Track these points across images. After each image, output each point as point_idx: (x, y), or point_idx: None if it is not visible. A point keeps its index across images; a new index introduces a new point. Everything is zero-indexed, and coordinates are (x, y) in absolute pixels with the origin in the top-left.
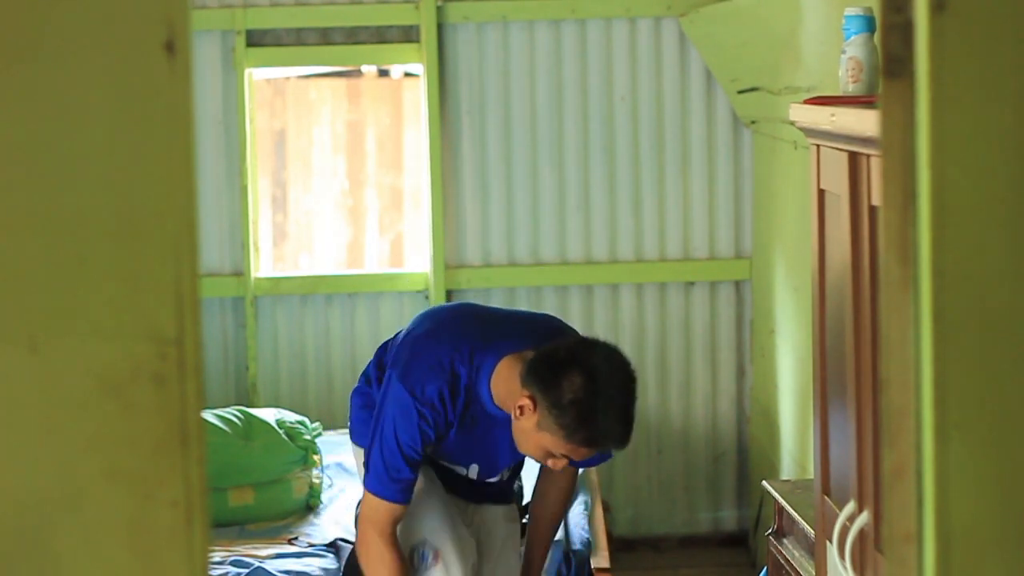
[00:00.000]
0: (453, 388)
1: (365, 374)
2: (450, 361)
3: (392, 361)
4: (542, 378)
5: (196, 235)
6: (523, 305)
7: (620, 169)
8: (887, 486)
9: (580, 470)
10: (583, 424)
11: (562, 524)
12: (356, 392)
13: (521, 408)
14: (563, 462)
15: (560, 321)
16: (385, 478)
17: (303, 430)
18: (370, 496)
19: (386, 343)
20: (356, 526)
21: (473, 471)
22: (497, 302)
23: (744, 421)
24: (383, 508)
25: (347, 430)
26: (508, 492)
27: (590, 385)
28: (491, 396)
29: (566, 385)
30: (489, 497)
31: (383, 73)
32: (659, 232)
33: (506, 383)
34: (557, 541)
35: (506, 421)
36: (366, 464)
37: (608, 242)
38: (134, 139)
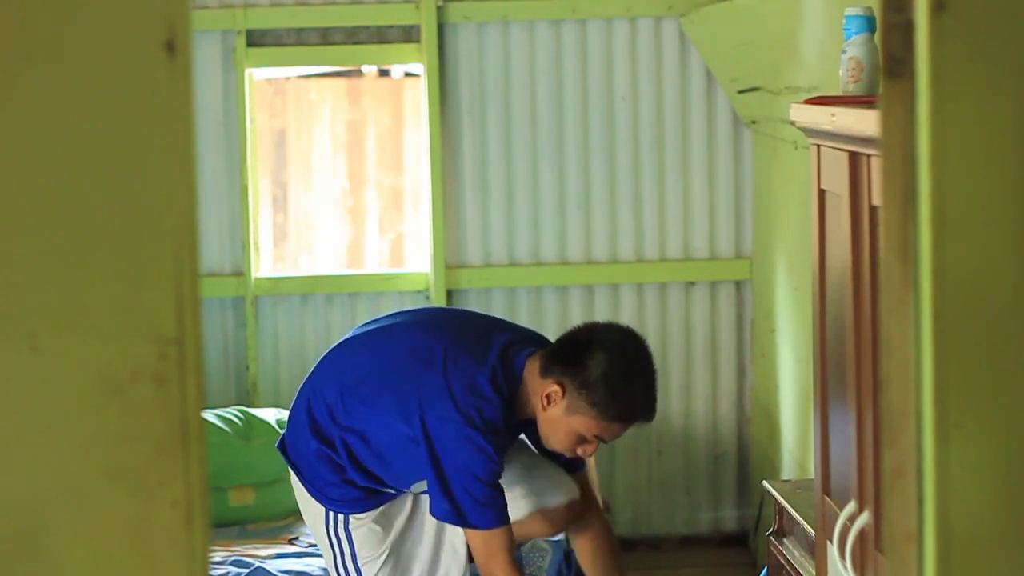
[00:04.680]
0: (506, 410)
1: (312, 426)
2: (490, 384)
3: (417, 404)
4: (566, 362)
5: (196, 235)
6: (524, 305)
7: (620, 169)
8: (887, 486)
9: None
10: (615, 398)
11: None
12: (315, 455)
13: (548, 396)
14: (593, 447)
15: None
16: (482, 509)
17: None
18: (477, 533)
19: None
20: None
21: None
22: (498, 302)
23: (744, 421)
24: (495, 538)
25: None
26: None
27: (616, 359)
28: (521, 408)
29: (592, 364)
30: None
31: (383, 73)
32: (659, 232)
33: (529, 385)
34: (557, 541)
35: (523, 427)
36: (447, 508)
37: (608, 242)
38: (134, 139)
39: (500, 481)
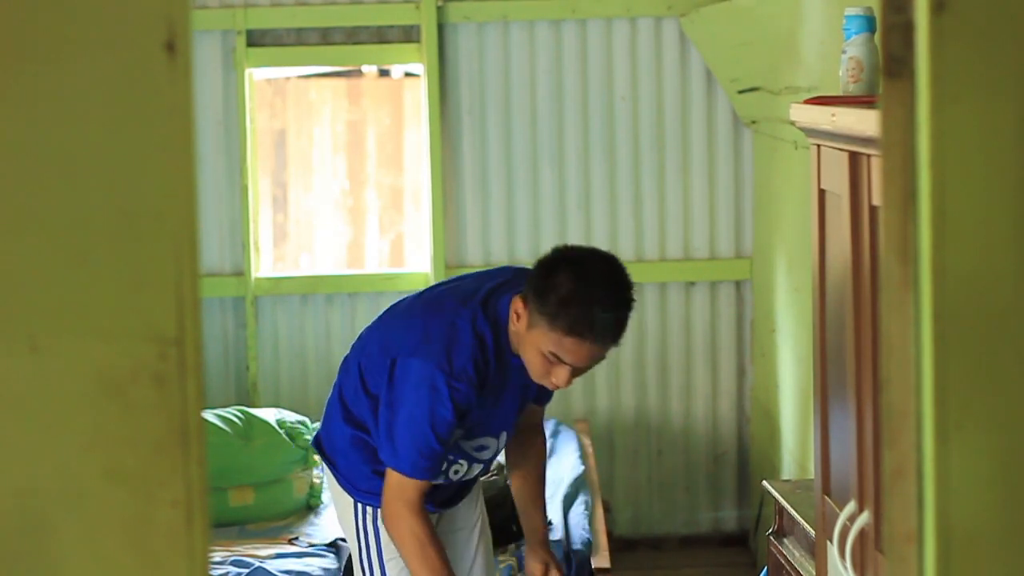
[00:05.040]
0: (483, 353)
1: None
2: (470, 324)
3: (396, 348)
4: (534, 279)
5: (196, 235)
6: None
7: (620, 169)
8: (887, 486)
9: (545, 431)
10: (565, 308)
11: (563, 523)
12: (350, 442)
13: (517, 314)
14: (563, 373)
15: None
16: (416, 458)
17: (303, 430)
18: (398, 475)
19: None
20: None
21: (503, 440)
22: None
23: (744, 421)
24: (411, 486)
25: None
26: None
27: (575, 272)
28: (510, 343)
29: (554, 279)
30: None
31: (383, 73)
32: (659, 232)
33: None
34: (557, 541)
35: (520, 367)
36: (385, 442)
37: (608, 242)
38: (134, 139)
39: (447, 439)
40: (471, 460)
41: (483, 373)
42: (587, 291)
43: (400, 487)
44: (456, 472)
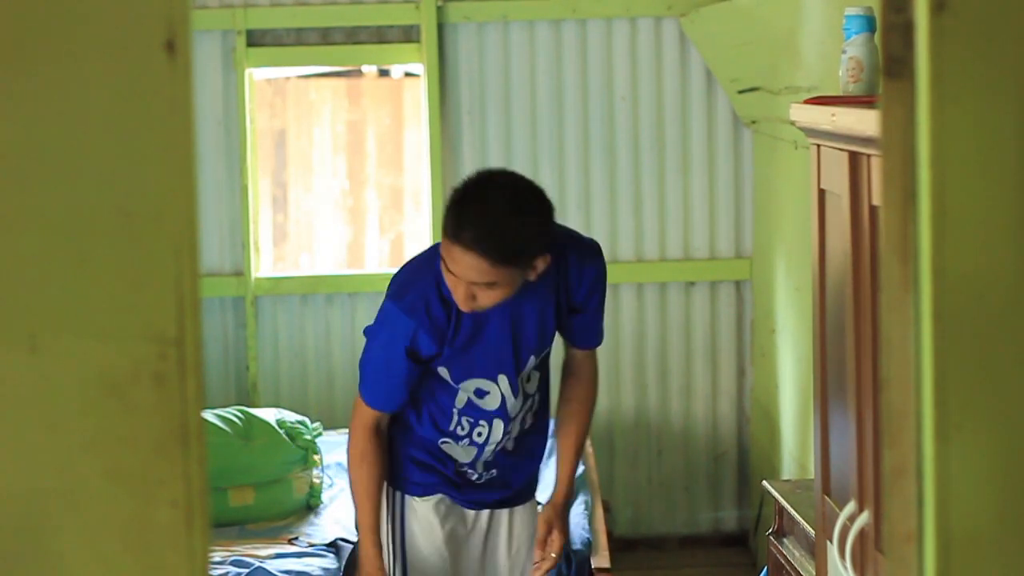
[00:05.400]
0: (439, 289)
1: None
2: (430, 262)
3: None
4: None
5: (196, 235)
6: None
7: (620, 169)
8: (887, 486)
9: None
10: (447, 209)
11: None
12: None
13: None
14: (458, 287)
15: None
16: (373, 386)
17: (303, 430)
18: (359, 401)
19: None
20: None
21: (507, 386)
22: None
23: (744, 421)
24: (368, 412)
25: (347, 430)
26: (539, 445)
27: (463, 183)
28: None
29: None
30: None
31: (383, 73)
32: (659, 232)
33: None
34: None
35: (507, 302)
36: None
37: (608, 242)
38: (134, 139)
39: (405, 373)
40: (484, 415)
41: (442, 309)
42: (461, 196)
43: (359, 411)
44: (479, 435)
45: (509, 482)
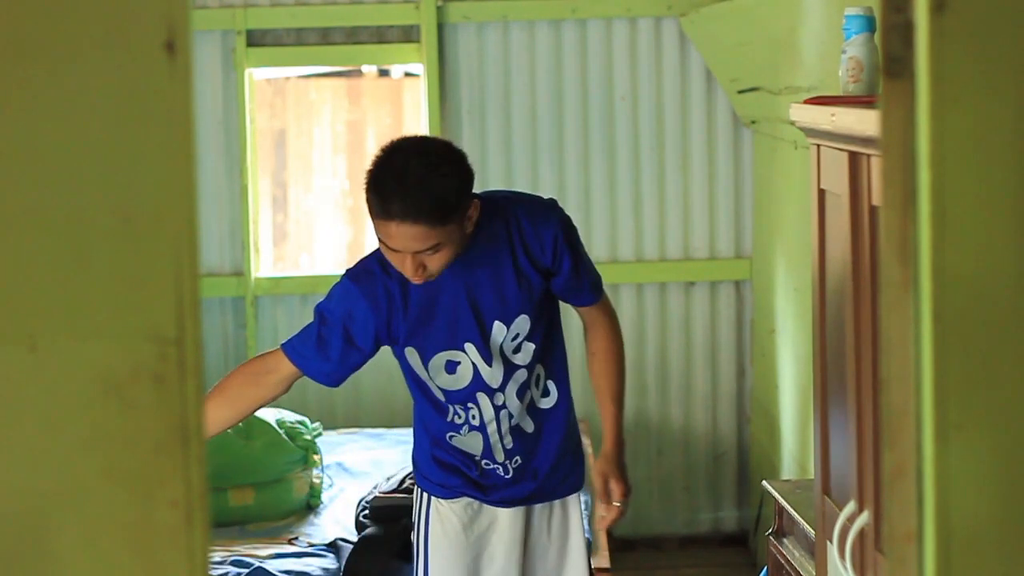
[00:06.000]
0: (375, 265)
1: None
2: (365, 264)
3: None
4: None
5: (196, 235)
6: None
7: (620, 169)
8: (887, 486)
9: (608, 321)
10: (367, 194)
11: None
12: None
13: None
14: (402, 260)
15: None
16: (296, 335)
17: (303, 430)
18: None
19: None
20: (356, 527)
21: (473, 353)
22: None
23: (744, 421)
24: (272, 354)
25: (348, 429)
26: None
27: (374, 161)
28: None
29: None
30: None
31: (383, 73)
32: (659, 232)
33: None
34: None
35: (456, 273)
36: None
37: (608, 242)
38: (134, 139)
39: (329, 336)
40: (467, 395)
41: (391, 281)
42: (376, 173)
43: (273, 352)
44: (474, 417)
45: (535, 468)
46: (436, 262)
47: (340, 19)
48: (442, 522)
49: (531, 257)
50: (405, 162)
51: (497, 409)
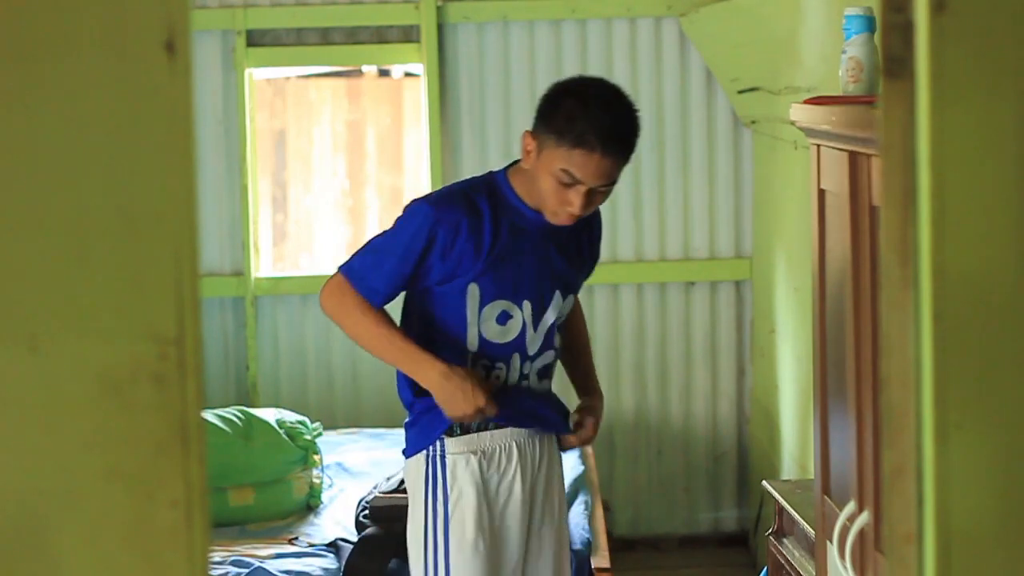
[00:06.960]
0: (472, 194)
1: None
2: (463, 189)
3: None
4: (540, 109)
5: (196, 235)
6: None
7: None
8: (887, 486)
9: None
10: (570, 122)
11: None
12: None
13: (527, 151)
14: (576, 194)
15: None
16: (361, 256)
17: (303, 430)
18: (340, 287)
19: None
20: (356, 527)
21: (527, 311)
22: None
23: (744, 421)
24: (358, 300)
25: (348, 429)
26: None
27: (575, 90)
28: (521, 199)
29: (559, 102)
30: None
31: (383, 73)
32: (659, 232)
33: (523, 177)
34: None
35: (546, 233)
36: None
37: (608, 242)
38: (134, 139)
39: (400, 263)
40: (501, 352)
41: (489, 211)
42: (590, 104)
43: (347, 298)
44: (497, 378)
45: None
46: (601, 198)
47: (340, 19)
48: (459, 462)
49: (591, 245)
50: (617, 97)
51: (522, 377)
